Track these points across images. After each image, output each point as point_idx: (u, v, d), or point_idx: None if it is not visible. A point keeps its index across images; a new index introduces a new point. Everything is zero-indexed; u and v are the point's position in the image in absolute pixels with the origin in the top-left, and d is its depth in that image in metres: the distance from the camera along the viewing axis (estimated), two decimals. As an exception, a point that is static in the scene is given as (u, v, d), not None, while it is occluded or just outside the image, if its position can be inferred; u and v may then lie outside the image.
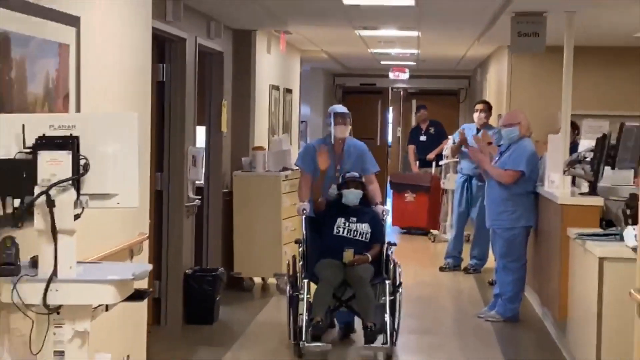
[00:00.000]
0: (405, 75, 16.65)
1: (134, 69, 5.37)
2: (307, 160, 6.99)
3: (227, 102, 8.89)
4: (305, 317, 6.09)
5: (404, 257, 8.28)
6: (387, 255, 6.57)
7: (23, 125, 3.27)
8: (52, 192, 3.20)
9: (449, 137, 11.59)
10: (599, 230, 6.27)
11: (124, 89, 5.17)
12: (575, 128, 9.54)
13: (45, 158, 3.22)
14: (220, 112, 8.68)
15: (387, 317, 6.14)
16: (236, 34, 9.25)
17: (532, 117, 9.07)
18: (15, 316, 3.39)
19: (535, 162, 7.79)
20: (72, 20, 4.28)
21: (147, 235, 5.63)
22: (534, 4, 7.55)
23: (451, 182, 11.52)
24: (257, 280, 9.09)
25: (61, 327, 3.30)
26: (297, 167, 9.57)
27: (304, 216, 6.77)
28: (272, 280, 8.98)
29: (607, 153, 6.74)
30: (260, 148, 9.41)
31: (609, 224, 6.54)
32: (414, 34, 10.37)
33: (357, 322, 6.71)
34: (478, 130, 9.86)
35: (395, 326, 6.27)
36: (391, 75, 16.64)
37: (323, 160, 6.61)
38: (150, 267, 3.77)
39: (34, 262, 3.35)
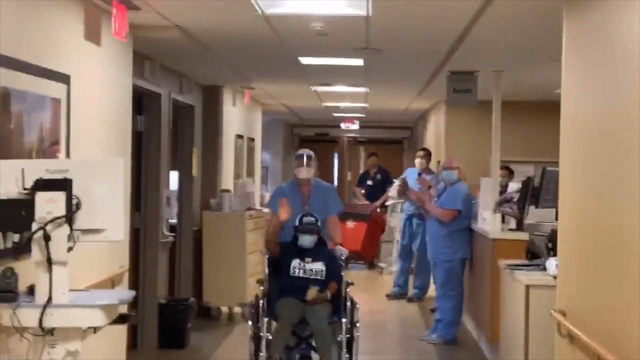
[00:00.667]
0: (355, 126, 16.57)
1: (116, 120, 5.44)
2: (276, 202, 6.37)
3: (197, 150, 8.85)
4: (264, 355, 5.67)
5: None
6: (345, 294, 6.03)
7: (23, 170, 3.33)
8: (48, 227, 3.27)
9: (394, 180, 11.70)
10: (525, 262, 6.19)
11: (107, 137, 5.24)
12: (510, 171, 9.68)
13: (42, 198, 3.28)
14: (191, 158, 8.63)
15: (343, 355, 5.71)
16: (205, 90, 9.23)
17: (466, 163, 9.11)
18: (14, 338, 3.43)
19: (469, 201, 7.82)
20: (64, 78, 4.37)
21: (127, 268, 5.68)
22: (467, 65, 7.59)
23: (396, 220, 11.63)
24: (224, 309, 8.99)
25: (54, 347, 3.33)
26: (259, 208, 9.68)
27: (266, 257, 6.21)
28: (237, 309, 8.88)
29: (531, 194, 6.82)
30: (227, 190, 9.39)
31: (533, 256, 6.41)
32: (363, 90, 10.35)
33: (316, 357, 6.20)
34: (419, 174, 10.01)
35: None
36: (342, 126, 16.55)
37: (284, 211, 6.01)
38: (133, 293, 3.84)
39: (31, 290, 3.40)
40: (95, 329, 3.49)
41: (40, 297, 3.30)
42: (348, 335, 5.75)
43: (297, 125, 18.45)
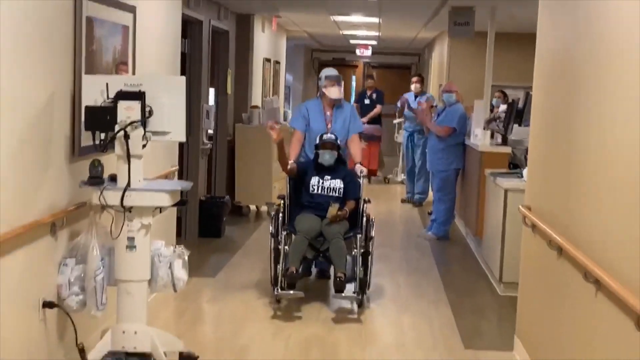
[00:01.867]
0: (368, 52, 16.72)
1: (169, 43, 5.89)
2: (299, 119, 6.14)
3: (231, 71, 9.15)
4: (281, 266, 5.46)
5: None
6: (362, 210, 5.79)
7: (107, 84, 3.79)
8: (127, 129, 3.72)
9: (398, 103, 12.10)
10: (506, 170, 6.69)
11: (162, 57, 5.70)
12: (505, 95, 10.08)
13: (122, 105, 3.74)
14: (226, 78, 8.93)
15: (357, 269, 5.46)
16: (239, 17, 9.50)
17: (464, 87, 9.53)
18: (101, 214, 4.00)
19: (464, 120, 8.22)
20: (131, 9, 4.80)
21: (177, 167, 6.24)
22: (466, 1, 7.88)
23: (400, 136, 12.12)
24: (253, 207, 9.42)
25: (132, 221, 3.85)
26: (283, 122, 9.88)
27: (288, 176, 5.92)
28: (264, 208, 9.34)
29: (515, 114, 7.25)
30: (256, 107, 9.68)
31: (514, 167, 6.90)
32: (376, 20, 10.58)
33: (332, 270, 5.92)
34: (416, 96, 10.44)
35: (368, 276, 5.63)
36: (357, 52, 16.71)
37: (275, 133, 5.53)
38: (191, 183, 4.37)
39: (113, 177, 3.91)
40: (161, 209, 4.05)
41: (121, 183, 3.82)
42: (363, 250, 5.54)
43: (317, 50, 18.61)
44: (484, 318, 5.62)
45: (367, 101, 12.79)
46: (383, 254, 7.29)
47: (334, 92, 6.02)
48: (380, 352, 4.90)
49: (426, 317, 5.54)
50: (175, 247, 4.17)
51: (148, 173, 4.14)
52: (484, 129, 7.77)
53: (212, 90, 8.57)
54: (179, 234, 7.34)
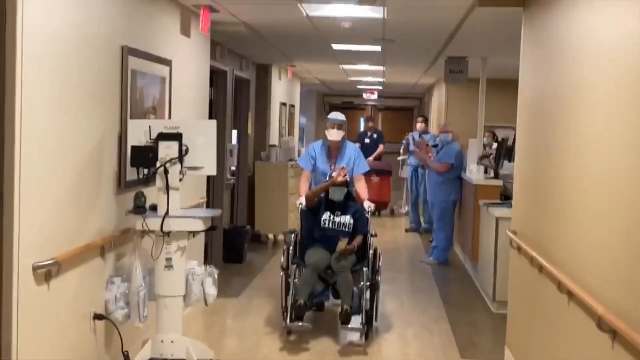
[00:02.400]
0: (374, 96, 17.04)
1: (199, 91, 6.24)
2: (307, 159, 6.04)
3: (251, 114, 9.51)
4: (290, 299, 5.28)
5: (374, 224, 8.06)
6: (369, 244, 5.66)
7: (149, 126, 4.12)
8: (167, 165, 4.04)
9: (403, 141, 12.39)
10: (498, 201, 6.93)
11: (194, 104, 6.04)
12: (494, 135, 10.37)
13: (163, 145, 4.07)
14: (247, 120, 9.26)
15: (363, 301, 5.29)
16: (258, 67, 9.89)
17: (460, 127, 9.79)
18: (143, 239, 4.30)
19: (460, 157, 8.48)
20: (167, 62, 5.15)
21: (205, 199, 6.54)
22: (459, 52, 8.17)
23: (405, 172, 12.39)
24: (271, 236, 9.63)
25: (170, 244, 4.16)
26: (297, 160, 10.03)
27: (299, 209, 5.82)
28: (280, 237, 9.54)
29: (505, 151, 7.52)
30: (274, 146, 10.02)
31: (506, 198, 7.08)
32: (381, 68, 10.90)
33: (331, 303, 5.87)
34: (420, 135, 10.76)
35: (375, 308, 5.47)
36: (364, 96, 17.05)
37: (342, 174, 5.61)
38: (220, 211, 4.68)
39: (153, 207, 4.21)
40: (195, 233, 4.34)
41: (161, 211, 4.12)
42: (370, 283, 5.37)
43: (328, 94, 18.92)
44: (478, 332, 5.83)
45: (367, 140, 12.86)
46: (389, 277, 7.43)
47: (332, 135, 5.94)
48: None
49: (427, 330, 5.77)
50: (207, 266, 4.45)
51: (181, 204, 4.42)
52: (478, 164, 8.03)
53: (234, 132, 8.88)
54: (205, 259, 7.55)
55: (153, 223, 4.12)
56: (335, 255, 5.46)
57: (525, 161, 4.76)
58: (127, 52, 4.35)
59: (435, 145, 9.01)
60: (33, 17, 3.24)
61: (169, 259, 4.18)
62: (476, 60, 8.42)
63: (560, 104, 3.85)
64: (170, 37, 5.33)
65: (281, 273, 5.51)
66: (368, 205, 5.81)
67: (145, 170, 4.15)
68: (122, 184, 4.33)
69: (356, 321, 5.30)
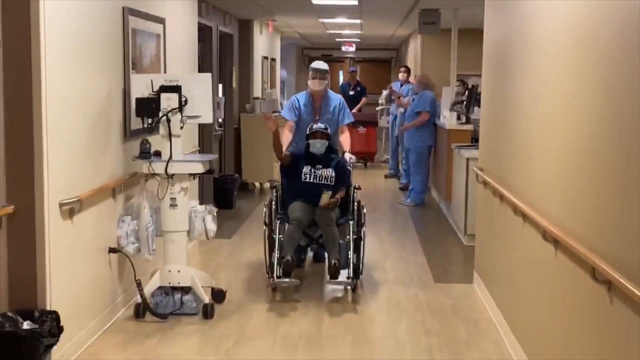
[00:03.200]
0: (352, 49, 17.47)
1: (189, 48, 6.62)
2: (291, 110, 5.86)
3: (235, 68, 9.87)
4: (276, 255, 5.11)
5: (357, 172, 8.02)
6: (353, 197, 5.53)
7: (152, 80, 4.55)
8: (169, 114, 4.48)
9: (383, 91, 12.79)
10: (468, 144, 7.40)
11: (185, 58, 6.43)
12: (464, 83, 10.81)
13: (165, 97, 4.48)
14: (232, 74, 9.62)
15: (350, 254, 5.16)
16: (241, 22, 10.21)
17: (435, 76, 10.27)
18: (149, 181, 4.76)
19: (434, 104, 8.99)
20: (162, 20, 5.57)
21: (198, 148, 6.97)
22: (432, 4, 8.58)
23: (384, 121, 12.85)
24: (257, 184, 10.08)
25: (174, 185, 4.63)
26: (280, 111, 10.37)
27: (279, 163, 5.58)
28: (266, 184, 9.85)
29: (475, 98, 8.01)
30: (257, 98, 10.40)
31: (476, 141, 7.39)
32: (358, 21, 11.29)
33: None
34: (401, 85, 11.19)
35: (361, 262, 5.33)
36: (343, 48, 17.45)
37: (271, 122, 5.33)
38: (216, 156, 5.15)
39: (157, 153, 4.66)
40: (195, 176, 4.82)
41: (165, 156, 4.58)
42: (355, 236, 5.25)
43: (307, 47, 19.26)
44: (450, 261, 6.41)
45: (351, 92, 12.86)
46: (370, 218, 7.64)
47: (315, 85, 5.76)
48: (368, 303, 5.64)
49: (404, 262, 6.34)
50: (206, 205, 4.95)
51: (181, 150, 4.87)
52: (450, 110, 8.52)
53: (220, 85, 9.24)
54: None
55: (158, 167, 4.58)
56: (319, 208, 5.28)
57: (490, 105, 5.27)
58: (128, 12, 4.75)
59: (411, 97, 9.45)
60: (50, -16, 3.65)
61: (173, 199, 4.66)
62: (448, 11, 8.82)
63: (518, 53, 4.34)
64: (162, -3, 5.72)
65: (264, 228, 5.35)
66: (349, 157, 5.66)
67: (149, 120, 4.57)
68: (127, 133, 4.79)
69: (343, 275, 5.18)
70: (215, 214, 4.97)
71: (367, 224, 5.47)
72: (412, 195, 9.12)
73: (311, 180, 5.42)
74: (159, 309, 4.67)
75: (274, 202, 5.44)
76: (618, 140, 2.62)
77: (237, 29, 10.17)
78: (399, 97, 9.87)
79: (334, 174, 5.43)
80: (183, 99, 4.55)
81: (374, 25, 12.29)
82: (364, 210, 5.40)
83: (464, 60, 10.04)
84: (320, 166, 5.44)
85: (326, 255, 5.36)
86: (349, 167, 5.61)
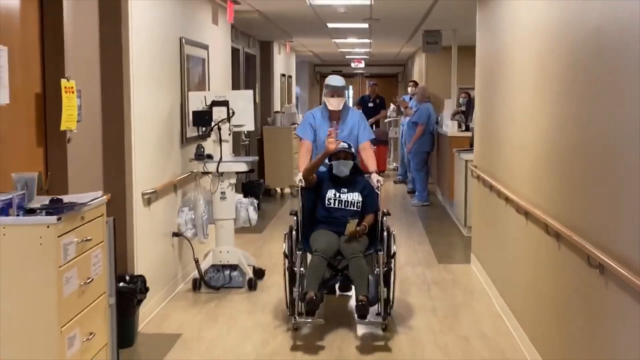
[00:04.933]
0: (362, 65, 18.34)
1: (226, 68, 7.69)
2: (307, 129, 5.27)
3: (258, 85, 10.89)
4: (297, 290, 4.55)
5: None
6: (382, 224, 4.88)
7: (205, 96, 5.62)
8: (220, 124, 5.53)
9: (391, 104, 13.77)
10: (467, 148, 8.31)
11: (223, 77, 7.50)
12: (469, 95, 11.81)
13: (216, 110, 5.53)
14: (255, 90, 10.55)
15: (380, 289, 4.56)
16: (262, 44, 11.27)
17: (438, 89, 11.30)
18: (203, 178, 5.81)
19: (429, 117, 9.85)
20: (206, 47, 6.62)
21: (233, 155, 7.97)
22: (434, 26, 9.58)
23: (392, 132, 13.83)
24: (279, 189, 11.04)
25: (223, 181, 5.70)
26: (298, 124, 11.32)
27: (299, 186, 4.99)
28: (287, 190, 10.98)
29: (472, 107, 8.98)
30: (278, 112, 11.40)
31: (473, 145, 8.50)
32: (367, 40, 12.29)
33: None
34: (410, 97, 12.19)
35: (392, 296, 4.75)
36: (352, 65, 18.34)
37: (330, 141, 4.78)
38: (257, 157, 6.19)
39: (209, 155, 5.70)
40: (240, 174, 5.85)
41: (216, 158, 5.62)
42: (385, 268, 4.67)
43: (318, 64, 20.23)
44: (452, 248, 7.41)
45: (371, 104, 13.14)
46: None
47: (332, 104, 5.21)
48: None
49: (413, 249, 7.35)
50: (250, 198, 5.98)
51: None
52: (451, 119, 9.54)
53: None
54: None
55: (211, 166, 5.62)
56: (344, 238, 4.71)
57: (481, 112, 6.30)
58: (184, 41, 5.82)
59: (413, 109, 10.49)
60: (136, 22, 4.71)
61: (223, 192, 5.70)
62: (449, 32, 9.85)
63: (501, 68, 5.38)
64: (206, 27, 6.78)
65: (284, 261, 4.72)
66: (377, 179, 5.01)
67: (204, 129, 5.63)
68: (184, 140, 5.83)
69: (372, 311, 4.63)
70: (256, 205, 6.01)
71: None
72: (417, 196, 10.10)
73: (336, 205, 4.88)
74: (211, 282, 5.70)
75: (294, 230, 4.85)
76: (570, 135, 3.65)
77: (258, 50, 11.23)
78: (406, 107, 10.88)
79: (360, 199, 4.89)
80: (230, 111, 5.60)
81: (382, 44, 13.26)
82: (394, 238, 4.79)
83: (466, 74, 11.02)
84: (346, 190, 4.90)
85: (353, 290, 4.87)
86: (377, 191, 4.98)
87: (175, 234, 5.59)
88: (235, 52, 9.39)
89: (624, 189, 2.77)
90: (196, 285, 5.70)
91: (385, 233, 4.84)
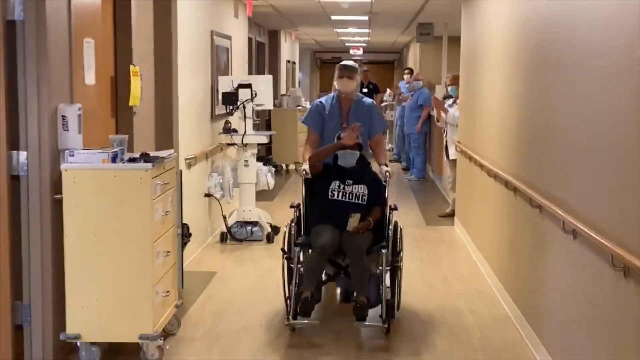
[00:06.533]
0: (360, 52, 19.31)
1: (243, 56, 8.78)
2: (316, 118, 4.89)
3: (266, 70, 12.02)
4: (294, 289, 4.28)
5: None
6: (388, 219, 4.56)
7: (232, 80, 6.73)
8: (244, 103, 6.66)
9: (387, 89, 14.79)
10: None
11: (243, 64, 8.59)
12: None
13: (241, 91, 6.63)
14: (264, 74, 11.82)
15: (382, 290, 4.27)
16: (270, 33, 12.34)
17: (431, 75, 12.37)
18: (229, 148, 6.92)
19: (430, 99, 11.17)
20: (229, 37, 7.71)
21: (247, 132, 9.12)
22: (426, 19, 10.65)
23: (388, 115, 14.88)
24: (284, 165, 12.00)
25: (247, 151, 6.81)
26: (303, 105, 12.61)
27: (303, 178, 4.65)
28: (292, 166, 11.98)
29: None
30: (284, 95, 12.48)
31: None
32: (366, 30, 13.32)
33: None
34: (407, 84, 13.21)
35: (397, 298, 4.51)
36: (351, 52, 19.23)
37: (351, 136, 4.52)
38: (275, 132, 7.31)
39: (235, 130, 6.81)
40: (261, 145, 6.96)
41: (240, 131, 6.73)
42: (390, 267, 4.42)
43: (319, 51, 21.19)
44: (438, 214, 8.53)
45: (365, 90, 13.49)
46: None
47: (342, 84, 4.80)
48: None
49: (405, 214, 8.44)
50: (268, 166, 7.09)
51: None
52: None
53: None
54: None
55: (236, 139, 6.73)
56: (347, 233, 4.41)
57: (465, 95, 7.41)
58: (214, 33, 6.89)
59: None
60: (180, 19, 5.79)
61: (246, 161, 6.81)
62: (440, 25, 10.93)
63: (479, 57, 6.48)
64: (229, 20, 7.85)
65: (282, 257, 4.49)
66: (385, 170, 4.67)
67: (230, 107, 6.73)
68: (213, 116, 6.93)
69: (374, 313, 4.33)
70: (273, 172, 7.12)
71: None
72: (414, 172, 11.20)
73: (339, 198, 4.55)
74: (236, 235, 6.81)
75: (294, 224, 4.55)
76: (523, 113, 4.75)
77: (267, 38, 12.31)
78: (400, 94, 11.97)
79: (366, 191, 4.57)
80: (253, 92, 6.70)
81: (380, 34, 14.29)
82: (401, 234, 4.59)
83: (456, 62, 12.11)
84: (351, 182, 4.58)
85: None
86: (384, 183, 4.68)
87: (206, 195, 6.69)
88: (248, 40, 10.45)
89: (558, 153, 3.89)
90: (223, 237, 6.81)
91: (391, 228, 4.51)
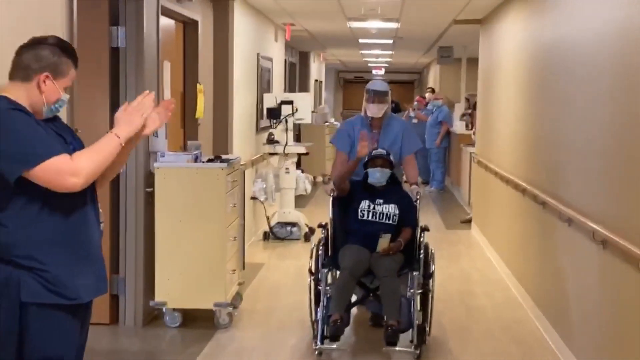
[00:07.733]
0: (381, 72, 20.09)
1: (281, 75, 9.68)
2: (344, 139, 4.79)
3: (297, 88, 12.91)
4: (321, 313, 4.18)
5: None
6: (420, 241, 4.43)
7: (275, 97, 7.61)
8: (287, 118, 7.54)
9: (409, 109, 15.61)
10: (471, 144, 10.46)
11: (278, 83, 9.49)
12: (468, 100, 13.68)
13: (284, 107, 7.53)
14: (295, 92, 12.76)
15: (413, 314, 4.16)
16: (301, 54, 13.23)
17: (450, 94, 13.17)
18: (272, 158, 7.78)
19: (449, 116, 12.03)
20: (270, 59, 8.61)
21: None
22: (448, 43, 11.44)
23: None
24: (311, 177, 13.17)
25: (287, 160, 7.67)
26: (330, 121, 13.55)
27: (331, 197, 4.59)
28: (319, 178, 12.68)
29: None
30: (313, 111, 13.25)
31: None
32: (390, 52, 14.18)
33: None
34: (427, 103, 14.03)
35: (428, 322, 4.36)
36: (373, 72, 20.11)
37: (362, 146, 4.40)
38: (312, 143, 8.16)
39: (277, 141, 7.69)
40: (302, 154, 7.83)
41: (282, 142, 7.60)
42: (421, 290, 4.29)
43: (342, 70, 21.99)
44: (457, 219, 9.33)
45: None
46: None
47: (372, 110, 4.72)
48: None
49: (426, 221, 9.20)
50: (306, 174, 7.95)
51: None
52: (460, 120, 11.48)
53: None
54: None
55: (279, 149, 7.60)
56: (377, 255, 4.32)
57: (482, 111, 8.24)
58: (260, 56, 7.80)
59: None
60: (234, 44, 6.67)
61: (287, 168, 7.67)
62: (459, 47, 11.79)
63: (495, 77, 7.31)
64: (270, 43, 8.76)
65: (309, 279, 4.39)
66: (417, 191, 4.60)
67: (274, 121, 7.61)
68: (257, 129, 7.81)
69: (405, 338, 4.21)
70: (311, 179, 7.98)
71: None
72: (434, 184, 12.00)
73: (369, 218, 4.46)
74: (277, 234, 7.66)
75: (322, 246, 4.42)
76: (531, 127, 5.58)
77: (298, 58, 13.22)
78: (417, 113, 12.82)
79: (397, 212, 4.46)
80: (295, 108, 7.57)
81: (402, 55, 15.13)
82: (433, 256, 4.47)
83: (473, 81, 12.92)
84: (382, 201, 4.48)
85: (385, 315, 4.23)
86: (415, 204, 4.58)
87: (252, 198, 7.56)
88: (284, 61, 11.37)
89: (559, 160, 4.71)
90: (266, 236, 7.66)
91: (422, 251, 4.36)
